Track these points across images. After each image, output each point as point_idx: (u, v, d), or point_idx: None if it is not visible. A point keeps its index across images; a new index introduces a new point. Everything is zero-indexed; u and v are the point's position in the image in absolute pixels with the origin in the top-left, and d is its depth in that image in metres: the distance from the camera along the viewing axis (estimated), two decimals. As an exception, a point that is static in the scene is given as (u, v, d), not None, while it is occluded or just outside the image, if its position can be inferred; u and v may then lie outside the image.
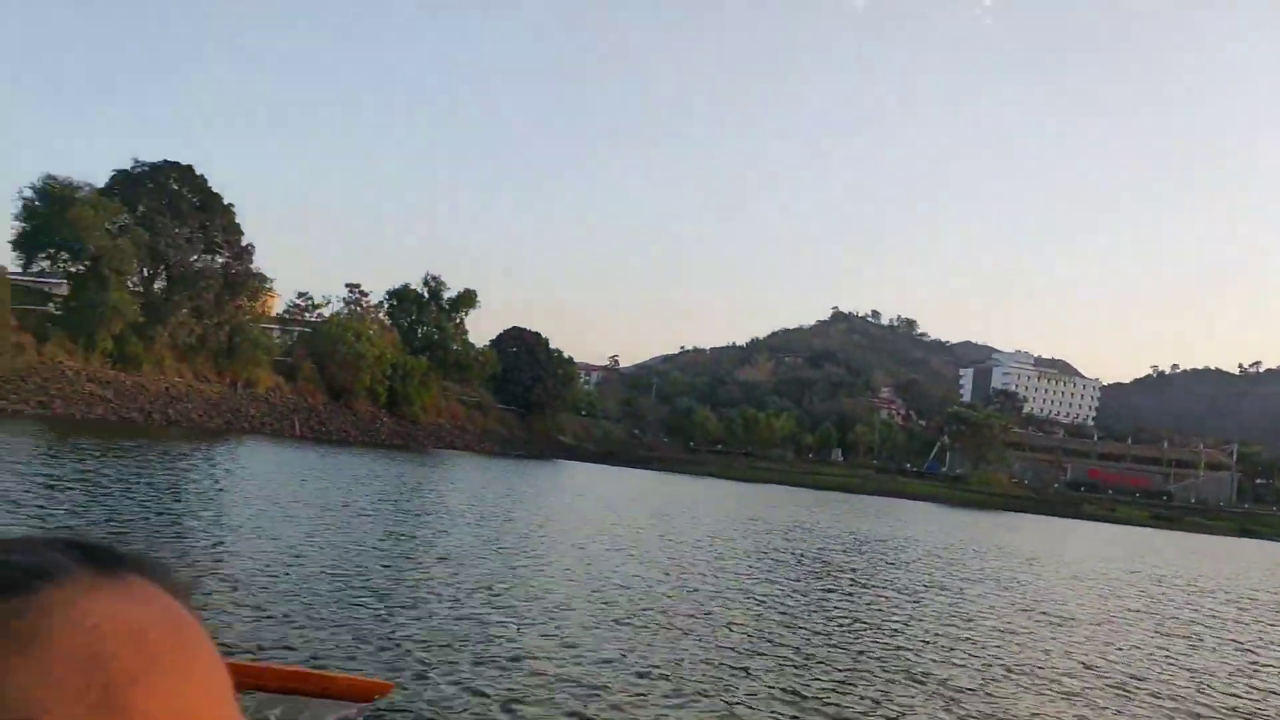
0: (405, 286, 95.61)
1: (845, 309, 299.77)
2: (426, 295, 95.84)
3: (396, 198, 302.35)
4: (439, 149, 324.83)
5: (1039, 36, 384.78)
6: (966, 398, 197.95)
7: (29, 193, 59.89)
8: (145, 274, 65.66)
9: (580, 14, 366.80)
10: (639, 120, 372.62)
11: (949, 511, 78.74)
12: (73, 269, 61.11)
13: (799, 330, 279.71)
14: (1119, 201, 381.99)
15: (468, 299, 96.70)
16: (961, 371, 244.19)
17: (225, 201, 69.69)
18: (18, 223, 59.94)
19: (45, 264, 61.91)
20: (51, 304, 61.18)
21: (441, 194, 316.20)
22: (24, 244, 60.50)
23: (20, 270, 61.76)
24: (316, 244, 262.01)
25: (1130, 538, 71.96)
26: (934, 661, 13.65)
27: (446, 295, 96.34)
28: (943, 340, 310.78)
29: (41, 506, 18.59)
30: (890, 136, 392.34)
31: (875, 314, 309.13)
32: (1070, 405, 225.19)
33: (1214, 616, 24.45)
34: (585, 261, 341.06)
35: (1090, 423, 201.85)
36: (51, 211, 58.50)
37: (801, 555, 27.65)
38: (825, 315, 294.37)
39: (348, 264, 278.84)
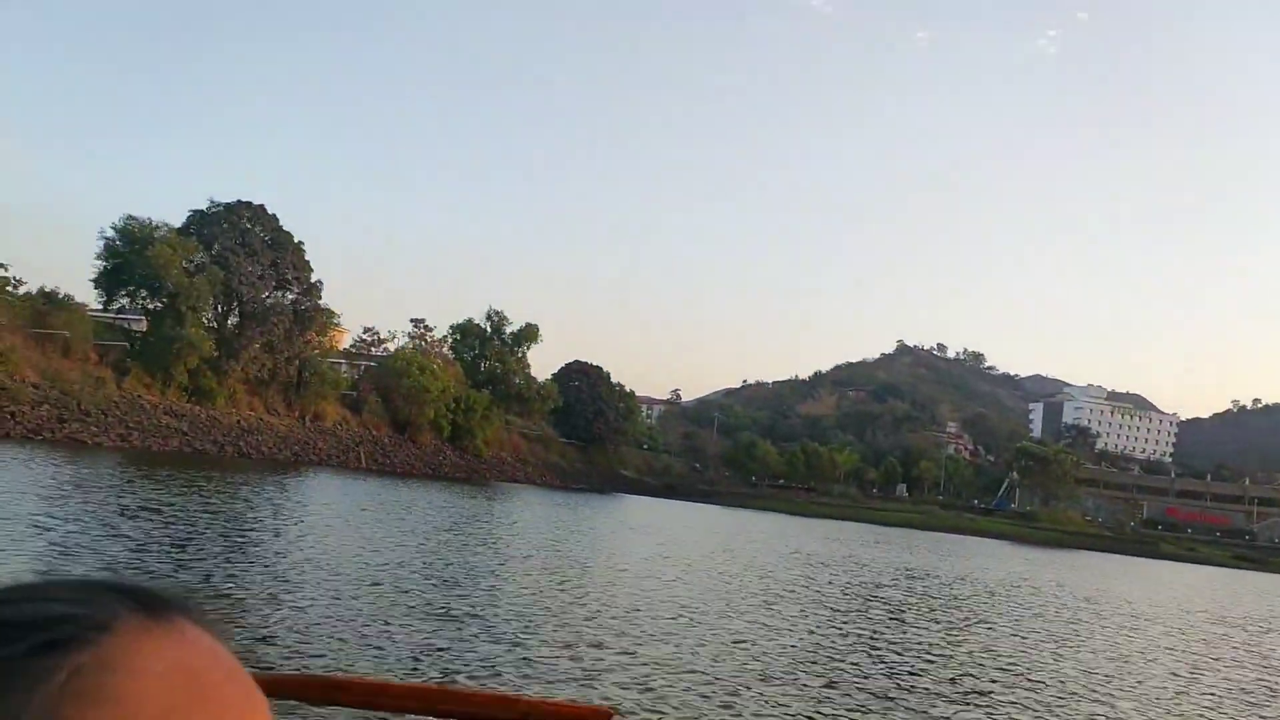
0: (468, 321, 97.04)
1: (910, 342, 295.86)
2: (489, 329, 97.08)
3: (460, 233, 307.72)
4: (501, 184, 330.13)
5: (1106, 64, 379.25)
6: (1036, 433, 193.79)
7: (110, 232, 62.35)
8: (219, 310, 67.64)
9: (634, 45, 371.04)
10: (701, 152, 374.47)
11: (1017, 549, 77.02)
12: (151, 306, 63.26)
13: (863, 363, 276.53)
14: (1196, 232, 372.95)
15: (530, 333, 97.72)
16: (1031, 406, 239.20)
17: (295, 239, 71.67)
18: (99, 261, 62.36)
19: (125, 301, 64.22)
20: (130, 340, 63.30)
21: (504, 229, 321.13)
22: (105, 282, 62.87)
23: (101, 307, 64.12)
24: (383, 279, 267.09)
25: (1207, 578, 69.71)
26: (930, 694, 13.44)
27: (509, 329, 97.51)
28: (1011, 374, 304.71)
29: (129, 536, 19.24)
30: (955, 167, 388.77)
31: (941, 347, 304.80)
32: (1146, 441, 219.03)
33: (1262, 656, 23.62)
34: (648, 295, 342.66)
35: (1168, 459, 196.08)
36: (131, 251, 60.76)
37: (852, 590, 27.37)
38: (890, 348, 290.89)
39: (413, 299, 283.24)
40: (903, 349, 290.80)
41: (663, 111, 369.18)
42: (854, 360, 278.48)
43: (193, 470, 41.93)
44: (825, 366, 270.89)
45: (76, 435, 51.38)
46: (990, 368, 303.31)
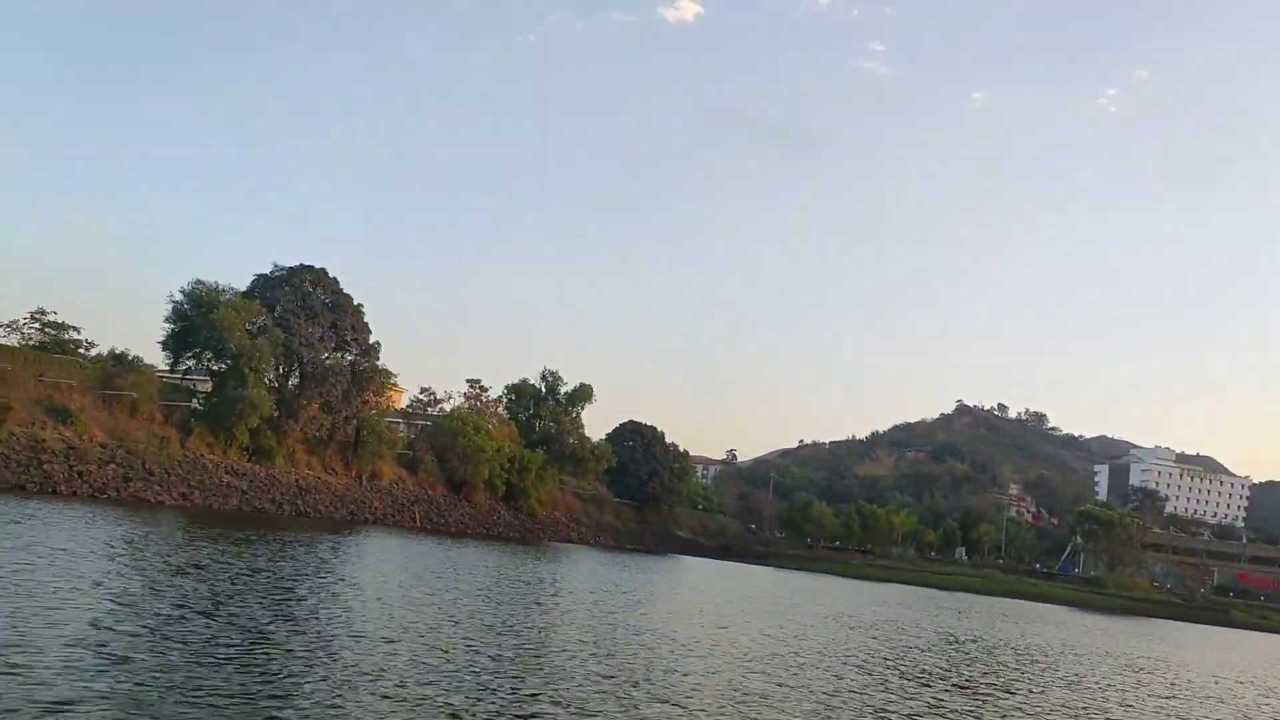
0: (523, 381, 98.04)
1: (970, 402, 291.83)
2: (544, 389, 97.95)
3: (516, 295, 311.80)
4: (557, 246, 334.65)
5: (1171, 122, 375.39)
6: (1102, 496, 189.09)
7: (179, 296, 64.53)
8: (280, 371, 69.31)
9: (685, 104, 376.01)
10: (760, 211, 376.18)
11: (1079, 616, 74.98)
12: (215, 367, 65.06)
13: (921, 424, 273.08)
14: (1269, 292, 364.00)
15: (584, 393, 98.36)
16: (1096, 467, 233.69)
17: (355, 302, 73.43)
18: (167, 324, 64.43)
19: (191, 363, 66.16)
20: (195, 400, 65.12)
21: (560, 290, 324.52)
22: (172, 344, 64.90)
23: (168, 369, 66.16)
24: (440, 341, 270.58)
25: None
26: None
27: (563, 389, 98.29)
28: (1075, 434, 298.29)
29: (170, 595, 19.89)
30: (1017, 225, 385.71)
31: (1002, 407, 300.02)
32: (1217, 505, 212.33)
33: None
34: (704, 355, 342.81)
35: (1239, 524, 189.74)
36: (198, 314, 62.80)
37: (879, 656, 27.04)
38: (949, 408, 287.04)
39: (469, 360, 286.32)
40: (962, 409, 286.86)
41: (721, 172, 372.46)
42: (912, 420, 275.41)
43: (248, 529, 42.86)
44: (883, 427, 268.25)
45: (140, 494, 52.82)
46: (1053, 428, 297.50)
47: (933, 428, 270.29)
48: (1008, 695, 22.04)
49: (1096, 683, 27.20)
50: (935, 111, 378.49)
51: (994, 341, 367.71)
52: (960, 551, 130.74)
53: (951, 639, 35.83)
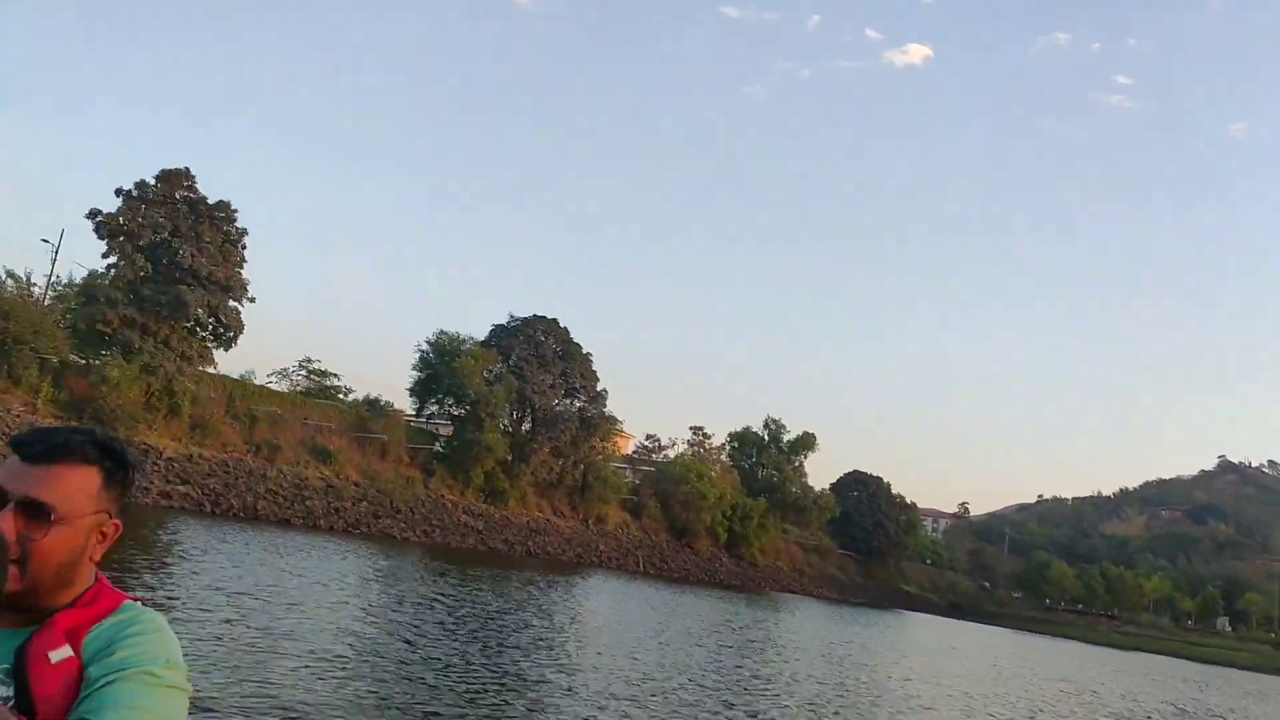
0: (746, 429, 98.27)
1: (1234, 458, 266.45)
2: (766, 437, 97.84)
3: (739, 343, 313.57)
4: (782, 292, 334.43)
5: None
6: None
7: (425, 346, 69.42)
8: (514, 416, 72.78)
9: (887, 148, 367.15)
10: (989, 250, 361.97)
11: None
12: (456, 412, 69.19)
13: (1176, 481, 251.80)
14: None
15: (807, 441, 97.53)
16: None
17: (584, 350, 76.38)
18: (414, 372, 69.45)
19: (434, 408, 70.74)
20: (437, 443, 69.43)
21: (786, 337, 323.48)
22: (419, 390, 69.71)
23: (414, 413, 70.96)
24: (666, 388, 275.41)
25: None
26: None
27: (786, 438, 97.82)
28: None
29: (412, 625, 21.41)
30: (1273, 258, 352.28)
31: (1273, 464, 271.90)
32: None
33: None
34: (936, 404, 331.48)
35: None
36: (441, 362, 67.21)
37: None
38: (1210, 465, 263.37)
39: (693, 407, 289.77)
40: (1225, 465, 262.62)
41: (944, 215, 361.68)
42: (1167, 477, 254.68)
43: (480, 567, 45.15)
44: (1133, 483, 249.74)
45: (388, 530, 56.67)
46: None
47: (1190, 485, 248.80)
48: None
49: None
50: (1197, 141, 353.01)
51: (1263, 387, 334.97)
52: (1223, 622, 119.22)
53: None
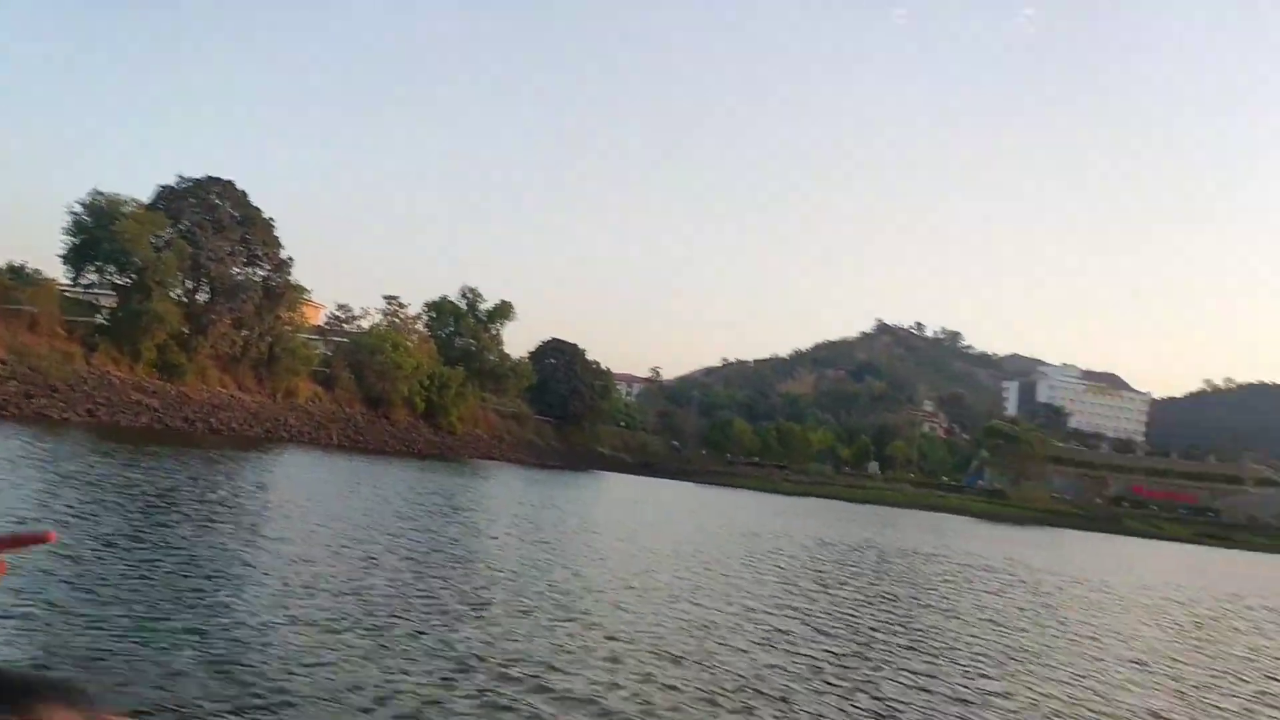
0: (443, 298, 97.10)
1: (890, 320, 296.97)
2: (464, 307, 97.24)
3: (435, 210, 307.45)
4: (477, 161, 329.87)
5: (1084, 44, 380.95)
6: (1011, 411, 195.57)
7: (78, 208, 62.19)
8: (188, 286, 67.58)
9: (603, 26, 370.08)
10: (676, 127, 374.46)
11: (982, 525, 78.32)
12: (119, 281, 63.17)
13: (843, 342, 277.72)
14: (1173, 212, 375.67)
15: (504, 310, 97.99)
16: (1005, 385, 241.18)
17: (265, 215, 71.57)
18: (67, 237, 62.16)
19: (93, 276, 64.08)
20: (99, 315, 63.31)
21: (480, 205, 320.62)
22: (73, 257, 62.69)
23: (70, 282, 64.05)
24: (356, 257, 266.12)
25: (1165, 553, 71.13)
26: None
27: (483, 307, 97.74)
28: (989, 353, 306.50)
29: (122, 513, 19.78)
30: (929, 142, 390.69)
31: (919, 326, 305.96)
32: (1119, 420, 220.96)
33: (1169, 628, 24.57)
34: (628, 274, 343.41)
35: (1140, 438, 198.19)
36: (98, 226, 60.68)
37: (765, 559, 28.17)
38: (869, 327, 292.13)
39: (387, 277, 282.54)
40: (882, 328, 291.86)
41: (640, 89, 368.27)
42: (834, 339, 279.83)
43: (157, 445, 42.30)
44: (806, 345, 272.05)
45: (44, 410, 51.51)
46: (968, 347, 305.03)
47: (854, 346, 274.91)
48: (884, 600, 23.18)
49: (976, 585, 28.68)
50: (858, 28, 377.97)
51: (913, 260, 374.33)
52: (874, 466, 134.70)
53: (858, 548, 37.25)
